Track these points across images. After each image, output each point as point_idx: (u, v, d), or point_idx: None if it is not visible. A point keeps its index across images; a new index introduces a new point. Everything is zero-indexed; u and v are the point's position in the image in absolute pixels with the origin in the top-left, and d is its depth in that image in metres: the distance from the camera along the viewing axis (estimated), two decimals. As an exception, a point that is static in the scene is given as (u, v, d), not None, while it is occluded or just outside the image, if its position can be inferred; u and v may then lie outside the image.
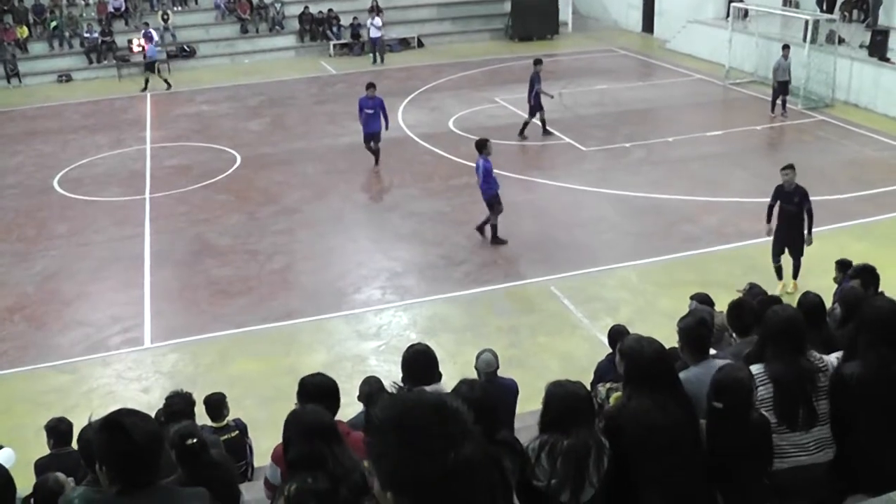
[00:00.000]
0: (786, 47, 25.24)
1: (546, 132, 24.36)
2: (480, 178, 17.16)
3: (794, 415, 5.75)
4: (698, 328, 6.63)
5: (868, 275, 9.28)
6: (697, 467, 5.45)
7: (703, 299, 10.44)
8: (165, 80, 32.14)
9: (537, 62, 24.56)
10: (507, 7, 39.12)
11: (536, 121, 24.16)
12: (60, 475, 6.83)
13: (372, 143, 22.07)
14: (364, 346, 14.15)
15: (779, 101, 25.24)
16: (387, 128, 21.99)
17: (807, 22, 27.27)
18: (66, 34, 36.37)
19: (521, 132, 24.29)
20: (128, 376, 13.71)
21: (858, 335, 5.88)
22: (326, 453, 4.82)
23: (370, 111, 21.61)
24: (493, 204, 17.18)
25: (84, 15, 37.20)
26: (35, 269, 17.51)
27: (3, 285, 16.87)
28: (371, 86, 21.92)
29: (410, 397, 2.43)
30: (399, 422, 2.32)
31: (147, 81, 32.08)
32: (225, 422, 9.50)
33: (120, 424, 4.02)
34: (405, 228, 18.55)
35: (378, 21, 36.00)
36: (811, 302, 7.67)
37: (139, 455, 3.99)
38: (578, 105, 27.62)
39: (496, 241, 17.34)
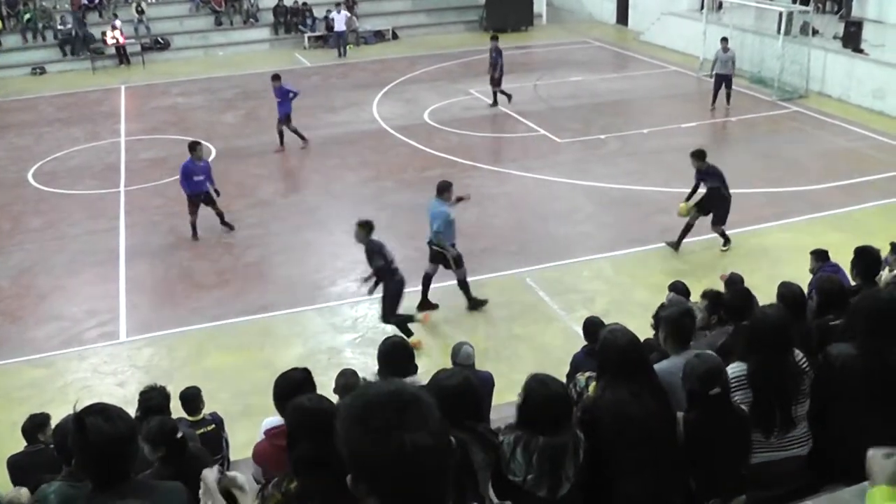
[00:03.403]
0: (724, 40, 25.30)
1: (495, 104, 26.07)
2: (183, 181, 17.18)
3: (770, 420, 5.77)
4: (683, 318, 6.63)
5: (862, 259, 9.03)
6: (673, 458, 5.48)
7: (680, 289, 10.51)
8: None
9: (494, 38, 26.37)
10: (482, -1, 39.14)
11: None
12: (13, 492, 6.77)
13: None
14: (340, 338, 14.15)
15: (722, 94, 25.28)
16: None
17: (781, 13, 27.42)
18: (40, 26, 36.09)
19: (496, 101, 26.15)
20: (103, 370, 13.65)
21: (853, 322, 5.91)
22: (332, 451, 4.77)
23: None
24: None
25: (57, 7, 36.91)
26: (9, 262, 17.39)
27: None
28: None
29: (374, 386, 2.47)
30: (358, 409, 2.36)
31: None
32: (201, 416, 9.49)
33: (96, 417, 4.01)
34: (380, 221, 18.33)
35: (343, 15, 35.95)
36: (793, 293, 7.63)
37: (115, 448, 3.99)
38: (553, 97, 27.67)
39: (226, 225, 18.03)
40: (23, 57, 35.42)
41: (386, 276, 13.40)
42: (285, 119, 23.18)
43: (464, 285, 14.64)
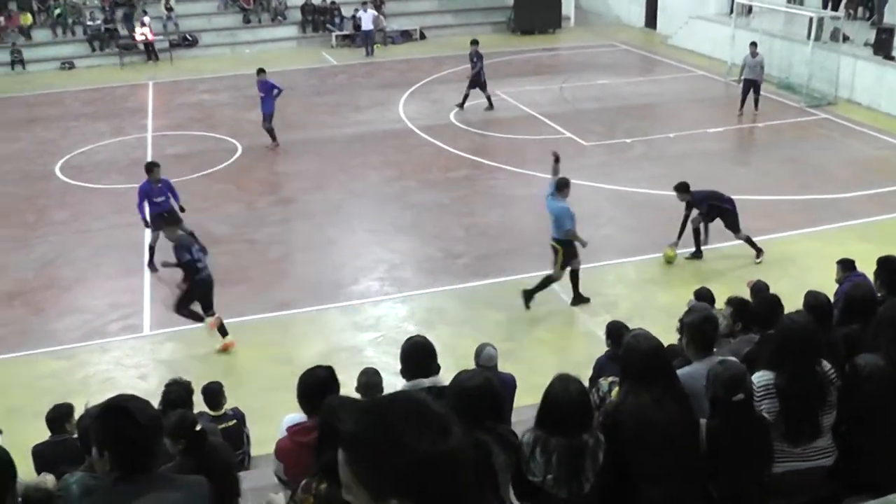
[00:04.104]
0: (753, 45, 25.12)
1: (462, 106, 26.45)
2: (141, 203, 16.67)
3: (798, 431, 5.72)
4: (705, 324, 6.57)
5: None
6: (694, 464, 5.45)
7: (704, 295, 10.45)
8: None
9: (474, 42, 26.57)
10: (510, 0, 39.03)
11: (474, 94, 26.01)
12: (40, 478, 6.79)
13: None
14: (361, 337, 14.15)
15: (750, 99, 25.09)
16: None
17: (811, 19, 27.24)
18: (70, 22, 36.35)
19: (489, 105, 26.42)
20: (126, 363, 13.72)
21: (879, 332, 5.85)
22: None
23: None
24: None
25: (87, 3, 37.16)
26: (34, 254, 17.50)
27: (3, 270, 16.86)
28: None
29: (378, 406, 2.40)
30: (376, 432, 2.31)
31: None
32: (223, 411, 9.52)
33: (124, 408, 4.02)
34: (404, 220, 18.55)
35: (370, 14, 36.02)
36: (820, 303, 7.49)
37: (142, 439, 3.99)
38: (579, 100, 27.59)
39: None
40: (52, 51, 35.68)
41: (191, 271, 13.67)
42: (269, 117, 23.21)
43: (546, 281, 14.74)
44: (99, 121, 27.11)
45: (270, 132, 23.36)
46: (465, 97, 26.43)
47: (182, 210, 16.87)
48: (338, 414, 4.89)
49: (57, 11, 36.42)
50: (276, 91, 23.08)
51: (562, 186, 14.46)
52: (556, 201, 14.36)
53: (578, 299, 14.83)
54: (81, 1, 37.13)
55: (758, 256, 16.05)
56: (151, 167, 16.88)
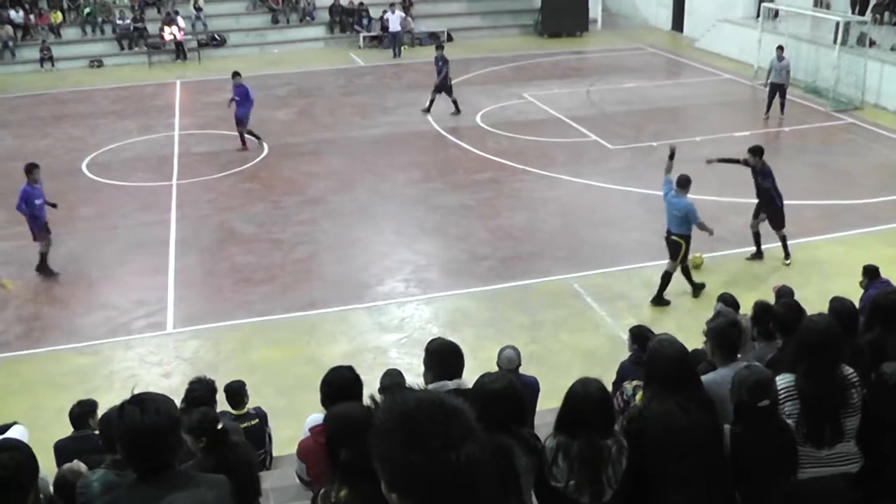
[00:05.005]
0: (780, 48, 25.03)
1: (428, 111, 26.46)
2: (21, 204, 16.45)
3: (819, 432, 5.66)
4: (730, 329, 6.52)
5: None
6: (719, 470, 5.41)
7: (729, 300, 10.38)
8: None
9: (439, 47, 27.12)
10: (538, 3, 38.99)
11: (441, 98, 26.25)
12: (73, 463, 6.85)
13: None
14: (385, 338, 14.15)
15: (776, 103, 25.01)
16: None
17: (838, 23, 27.06)
18: (99, 20, 36.63)
19: (430, 108, 26.49)
20: (150, 360, 13.77)
21: None
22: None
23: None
24: (40, 233, 16.65)
25: (117, 2, 37.43)
26: (61, 251, 17.57)
27: (29, 266, 16.94)
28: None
29: (409, 398, 2.40)
30: (400, 423, 2.30)
31: None
32: (245, 410, 9.53)
33: (140, 403, 4.03)
34: (429, 222, 18.54)
35: (398, 15, 36.06)
36: (846, 309, 7.38)
37: (152, 436, 4.00)
38: (606, 102, 27.52)
39: (45, 270, 16.66)
40: (81, 49, 35.96)
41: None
42: (244, 121, 23.23)
43: (666, 276, 14.87)
44: (126, 119, 27.26)
45: (242, 135, 23.39)
46: (431, 102, 26.46)
47: (54, 206, 17.15)
48: (360, 410, 4.88)
49: (86, 10, 36.72)
50: (250, 99, 23.19)
51: (684, 183, 14.65)
52: (680, 198, 14.52)
53: (660, 301, 14.84)
54: (111, 0, 37.35)
55: (787, 258, 16.07)
56: (31, 168, 16.68)
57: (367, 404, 4.19)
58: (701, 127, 24.53)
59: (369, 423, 2.44)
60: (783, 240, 16.08)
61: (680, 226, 14.52)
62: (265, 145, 23.61)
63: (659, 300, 14.80)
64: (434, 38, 37.81)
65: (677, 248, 14.67)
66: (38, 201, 16.53)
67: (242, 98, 23.03)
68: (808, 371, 5.73)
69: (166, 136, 25.11)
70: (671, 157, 15.03)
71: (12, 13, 35.73)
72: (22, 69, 34.61)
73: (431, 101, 26.41)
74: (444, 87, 26.22)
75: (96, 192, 20.88)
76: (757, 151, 15.93)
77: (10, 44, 35.17)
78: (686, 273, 14.94)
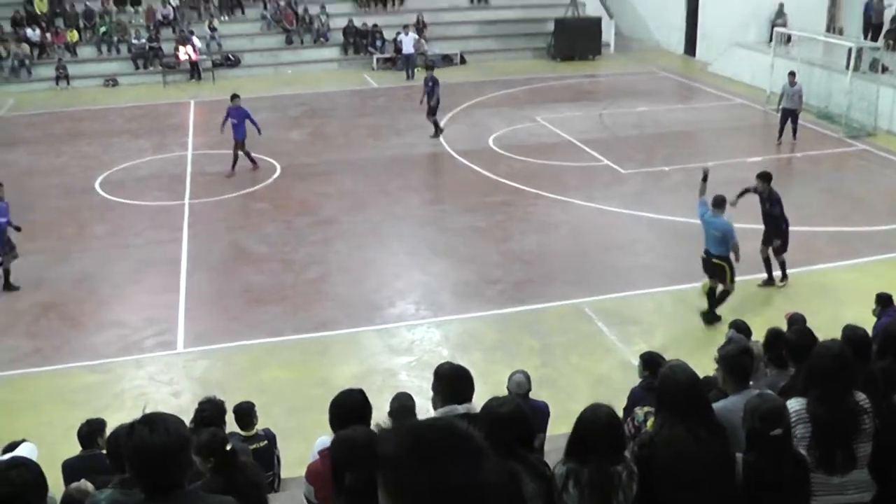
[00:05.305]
0: (791, 74, 25.00)
1: (439, 133, 26.29)
2: None
3: (831, 458, 5.61)
4: (741, 356, 6.48)
5: None
6: (730, 499, 5.36)
7: (741, 327, 10.35)
8: None
9: (429, 68, 27.40)
10: (551, 26, 39.08)
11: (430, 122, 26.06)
12: (80, 483, 6.84)
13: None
14: (396, 360, 14.13)
15: (789, 128, 24.94)
16: (259, 132, 23.26)
17: (850, 49, 27.06)
18: (115, 40, 36.84)
19: (437, 132, 26.22)
20: (159, 379, 13.77)
21: None
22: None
23: (235, 121, 22.78)
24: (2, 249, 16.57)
25: (132, 21, 37.65)
26: (73, 268, 17.65)
27: (41, 283, 17.01)
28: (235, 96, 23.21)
29: (418, 428, 2.38)
30: (409, 450, 2.28)
31: None
32: (254, 431, 9.51)
33: (149, 423, 4.03)
34: (441, 244, 18.54)
35: (411, 37, 36.22)
36: (859, 337, 7.33)
37: (161, 456, 3.99)
38: (618, 126, 27.53)
39: (9, 287, 16.76)
40: (97, 68, 36.15)
41: None
42: (241, 143, 23.18)
43: (723, 295, 14.82)
44: (140, 137, 27.38)
45: (235, 158, 23.27)
46: (436, 124, 26.36)
47: (18, 229, 17.01)
48: (370, 437, 4.86)
49: (102, 29, 36.94)
50: (248, 120, 23.16)
51: (720, 203, 14.67)
52: (718, 218, 14.54)
53: (713, 317, 14.78)
54: (127, 20, 37.60)
55: (782, 280, 16.13)
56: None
57: (374, 429, 4.19)
58: (713, 152, 24.47)
59: (374, 447, 2.42)
60: (783, 264, 16.10)
61: (719, 247, 14.50)
62: (279, 166, 23.67)
63: (711, 316, 14.73)
64: (447, 61, 37.94)
65: (720, 270, 14.65)
66: (2, 219, 16.49)
67: (241, 120, 23.04)
68: (819, 395, 5.70)
69: (180, 156, 25.20)
70: (704, 178, 15.02)
71: (29, 31, 35.97)
72: (38, 87, 34.80)
73: (435, 124, 26.36)
74: (431, 107, 26.18)
75: (109, 211, 20.95)
76: (765, 177, 15.93)
77: (27, 62, 35.37)
78: (710, 299, 14.88)
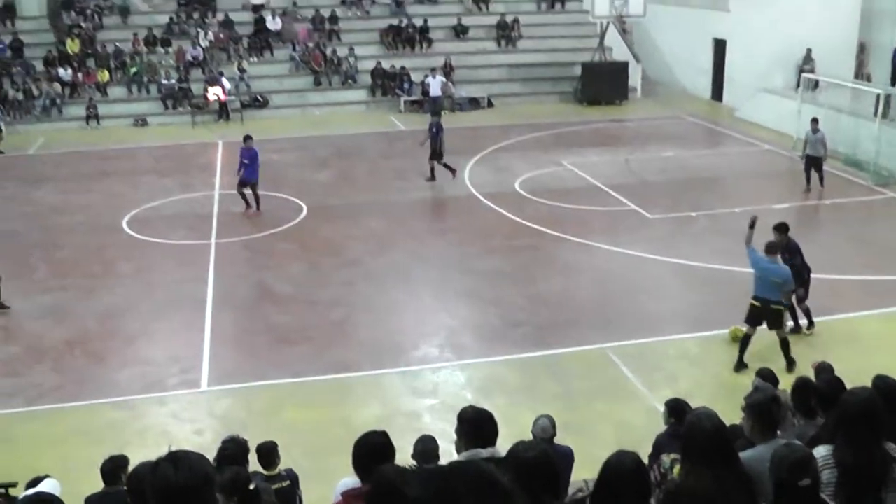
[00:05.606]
0: (814, 121, 24.82)
1: (454, 175, 26.59)
2: None
3: None
4: (769, 405, 6.42)
5: None
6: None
7: (767, 375, 10.26)
8: None
9: (435, 114, 28.07)
10: (577, 71, 39.23)
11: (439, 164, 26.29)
12: None
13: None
14: (419, 403, 14.07)
15: (815, 176, 24.79)
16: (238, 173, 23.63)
17: (878, 95, 26.99)
18: (145, 80, 37.31)
19: (453, 173, 26.45)
20: (182, 417, 13.78)
21: None
22: None
23: (247, 161, 23.25)
24: None
25: (163, 62, 38.11)
26: (98, 305, 17.74)
27: (67, 319, 17.11)
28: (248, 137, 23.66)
29: (446, 471, 2.37)
30: (439, 497, 2.27)
31: None
32: (277, 471, 9.48)
33: (174, 461, 4.02)
34: (465, 286, 18.52)
35: (438, 80, 36.43)
36: (889, 386, 7.23)
37: (183, 494, 3.97)
38: (645, 171, 27.53)
39: None
40: (127, 108, 36.61)
41: None
42: (254, 183, 23.45)
43: (786, 345, 14.76)
44: (168, 177, 27.61)
45: (256, 197, 23.59)
46: (449, 167, 26.45)
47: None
48: (403, 479, 4.84)
49: (133, 70, 37.45)
50: (258, 162, 23.54)
51: (774, 250, 14.68)
52: (776, 265, 14.54)
53: (742, 365, 14.68)
54: (157, 60, 38.05)
55: (809, 328, 15.95)
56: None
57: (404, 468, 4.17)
58: (740, 197, 24.42)
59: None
60: (807, 312, 15.95)
61: (776, 293, 14.48)
62: (305, 207, 23.78)
63: (790, 364, 14.52)
64: (474, 104, 38.14)
65: (778, 317, 14.59)
66: None
67: (252, 161, 23.30)
68: (847, 440, 5.64)
69: (206, 195, 25.36)
70: (752, 226, 14.87)
71: (61, 71, 36.53)
72: (68, 126, 35.24)
73: (448, 167, 26.43)
74: (435, 152, 26.27)
75: (136, 249, 21.08)
76: (782, 228, 15.68)
77: (58, 101, 35.91)
78: (744, 344, 14.77)
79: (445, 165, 26.38)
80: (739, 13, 36.08)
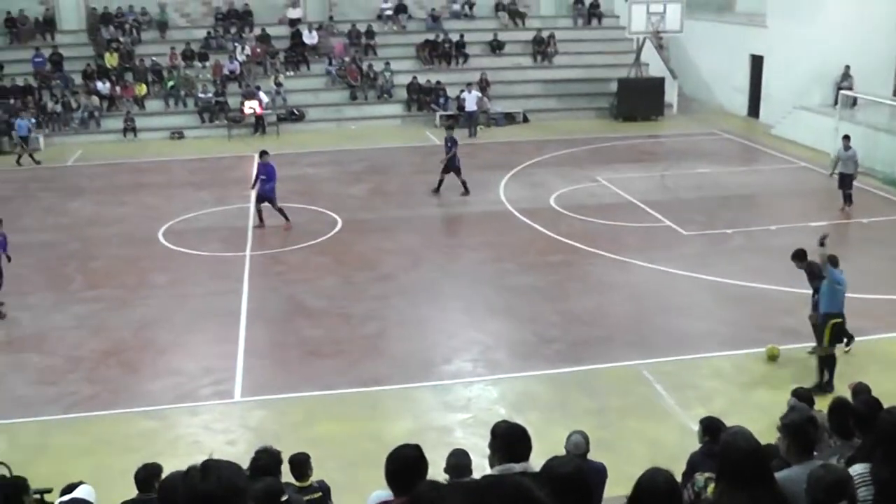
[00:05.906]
0: (846, 138, 24.50)
1: (437, 191, 26.64)
2: None
3: None
4: (806, 425, 6.34)
5: None
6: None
7: (803, 395, 10.16)
8: (31, 157, 32.37)
9: (450, 128, 27.99)
10: (614, 87, 39.16)
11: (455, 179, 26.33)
12: None
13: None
14: (451, 417, 14.05)
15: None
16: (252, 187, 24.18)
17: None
18: (182, 94, 37.63)
19: (465, 190, 26.42)
20: (215, 427, 13.83)
21: None
22: None
23: (264, 177, 23.38)
24: None
25: (200, 76, 38.43)
26: (133, 316, 17.87)
27: (102, 329, 17.25)
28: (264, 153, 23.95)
29: (483, 485, 2.35)
30: None
31: (20, 157, 32.34)
32: (309, 482, 9.49)
33: (200, 471, 4.01)
34: (499, 302, 18.49)
35: (474, 95, 36.46)
36: None
37: (210, 503, 3.97)
38: (680, 188, 27.42)
39: None
40: (163, 121, 36.92)
41: None
42: (272, 199, 23.48)
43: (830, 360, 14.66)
44: (203, 189, 27.79)
45: (281, 212, 23.57)
46: (441, 182, 26.54)
47: (9, 259, 18.21)
48: (439, 494, 4.82)
49: (170, 83, 37.80)
50: (275, 178, 23.60)
51: (838, 262, 14.71)
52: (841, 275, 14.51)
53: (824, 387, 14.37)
54: (194, 74, 38.37)
55: (847, 346, 15.62)
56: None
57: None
58: (776, 215, 24.27)
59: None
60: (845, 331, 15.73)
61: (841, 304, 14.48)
62: (340, 220, 23.86)
63: (829, 385, 14.34)
64: (510, 119, 38.14)
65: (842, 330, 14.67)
66: None
67: (270, 176, 23.36)
68: (884, 458, 5.58)
69: (241, 208, 25.47)
70: (822, 244, 14.53)
71: (99, 84, 36.94)
72: (105, 138, 35.59)
73: (440, 182, 26.54)
74: (452, 167, 26.30)
75: (171, 260, 21.22)
76: (798, 256, 15.54)
77: (96, 114, 36.30)
78: (832, 364, 14.64)
79: (463, 182, 26.44)
80: (777, 29, 35.90)
